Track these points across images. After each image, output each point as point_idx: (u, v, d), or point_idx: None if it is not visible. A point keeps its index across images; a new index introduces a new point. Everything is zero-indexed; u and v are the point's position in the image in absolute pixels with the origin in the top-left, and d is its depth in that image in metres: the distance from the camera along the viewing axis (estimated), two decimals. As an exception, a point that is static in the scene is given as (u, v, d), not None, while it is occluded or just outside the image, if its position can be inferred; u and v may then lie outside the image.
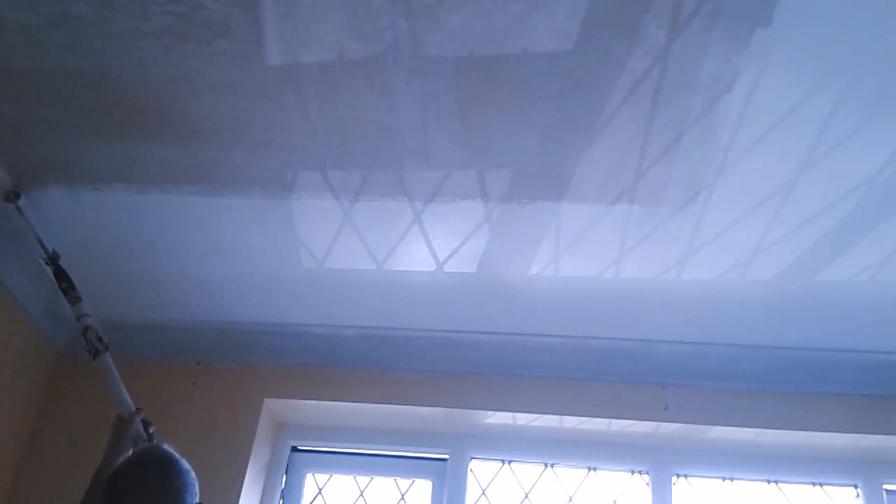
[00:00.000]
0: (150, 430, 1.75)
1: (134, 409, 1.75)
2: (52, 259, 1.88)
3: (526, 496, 2.19)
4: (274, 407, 2.20)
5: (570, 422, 2.15)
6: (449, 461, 2.21)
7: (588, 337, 2.10)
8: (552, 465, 2.22)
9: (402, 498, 2.21)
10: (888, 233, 1.72)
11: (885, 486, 2.12)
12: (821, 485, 2.15)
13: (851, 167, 1.58)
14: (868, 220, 1.69)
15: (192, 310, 2.17)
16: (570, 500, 2.18)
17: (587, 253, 1.86)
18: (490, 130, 1.59)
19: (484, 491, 2.20)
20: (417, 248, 1.89)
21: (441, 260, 1.92)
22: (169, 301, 2.15)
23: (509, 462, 2.23)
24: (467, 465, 2.21)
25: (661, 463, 2.17)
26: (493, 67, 1.46)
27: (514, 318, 2.08)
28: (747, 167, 1.60)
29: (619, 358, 2.10)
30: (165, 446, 1.56)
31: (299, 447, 2.28)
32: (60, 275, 1.87)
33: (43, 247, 1.87)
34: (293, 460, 2.26)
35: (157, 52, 1.48)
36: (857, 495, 2.12)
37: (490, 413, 2.14)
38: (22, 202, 1.85)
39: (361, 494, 2.23)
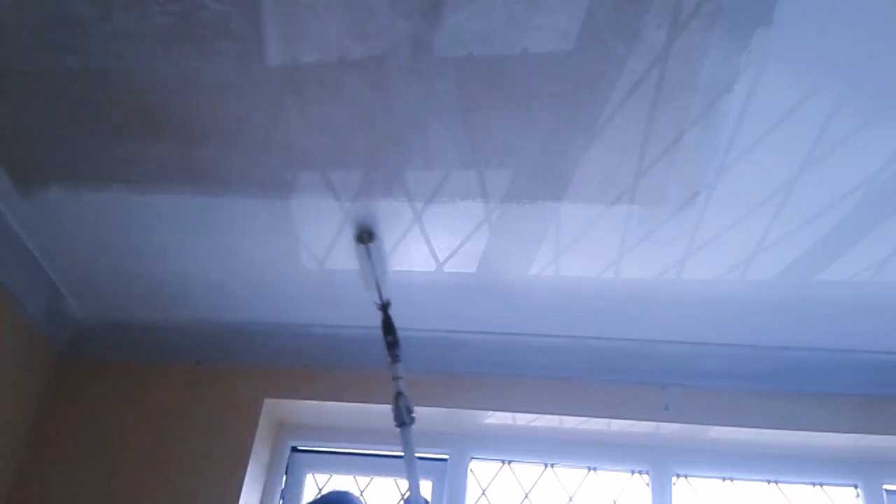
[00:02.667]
0: None
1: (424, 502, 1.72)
2: (384, 307, 1.86)
3: (526, 496, 2.19)
4: (274, 407, 2.20)
5: (570, 422, 2.15)
6: (449, 461, 2.21)
7: (588, 337, 2.10)
8: (552, 465, 2.22)
9: (403, 498, 2.21)
10: (888, 233, 1.72)
11: (885, 486, 2.11)
12: (821, 485, 2.15)
13: (851, 167, 1.58)
14: (868, 220, 1.69)
15: (192, 310, 2.17)
16: (570, 500, 2.18)
17: (587, 253, 1.86)
18: (490, 130, 1.59)
19: (484, 491, 2.20)
20: (417, 248, 1.89)
21: (441, 260, 1.92)
22: (169, 301, 2.15)
23: (509, 462, 2.24)
24: (467, 465, 2.21)
25: (661, 463, 2.17)
26: (493, 67, 1.46)
27: (514, 318, 2.08)
28: (747, 167, 1.60)
29: (619, 358, 2.10)
30: None
31: (299, 447, 2.28)
32: (388, 326, 1.84)
33: (380, 292, 1.85)
34: (293, 460, 2.26)
35: (156, 53, 1.48)
36: (857, 495, 2.12)
37: (490, 413, 2.14)
38: (373, 246, 1.83)
39: (361, 494, 2.23)
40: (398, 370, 1.81)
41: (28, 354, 2.15)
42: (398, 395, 1.77)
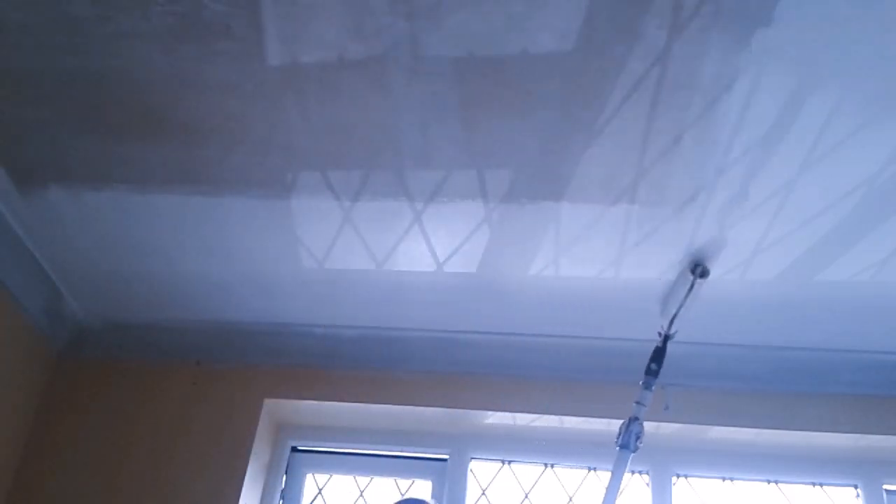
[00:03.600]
0: None
1: None
2: (667, 337, 1.83)
3: (526, 496, 2.19)
4: (274, 407, 2.20)
5: (570, 422, 2.15)
6: (449, 461, 2.21)
7: (588, 337, 2.10)
8: (552, 465, 2.22)
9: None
10: (888, 233, 1.72)
11: (885, 486, 2.11)
12: (821, 485, 2.15)
13: (851, 167, 1.58)
14: (868, 220, 1.69)
15: (192, 310, 2.17)
16: (570, 500, 2.18)
17: (587, 253, 1.86)
18: (490, 130, 1.59)
19: (484, 491, 2.20)
20: (417, 248, 1.89)
21: (441, 260, 1.92)
22: (169, 301, 2.15)
23: (509, 462, 2.23)
24: (467, 465, 2.21)
25: (661, 463, 2.17)
26: (493, 67, 1.46)
27: (514, 318, 2.08)
28: (747, 167, 1.60)
29: (619, 358, 2.10)
30: None
31: (299, 447, 2.28)
32: (659, 356, 1.81)
33: (672, 323, 1.82)
34: (293, 460, 2.26)
35: (157, 53, 1.48)
36: (857, 495, 2.12)
37: (490, 413, 2.14)
38: (701, 283, 1.80)
39: (361, 494, 2.23)
40: (647, 398, 1.79)
41: (28, 354, 2.15)
42: (634, 419, 1.76)
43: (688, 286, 1.81)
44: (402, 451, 2.25)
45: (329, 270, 1.99)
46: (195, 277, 2.06)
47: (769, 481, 2.16)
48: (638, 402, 1.78)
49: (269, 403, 2.17)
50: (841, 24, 1.33)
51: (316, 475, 2.26)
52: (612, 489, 1.75)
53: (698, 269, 1.81)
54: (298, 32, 1.43)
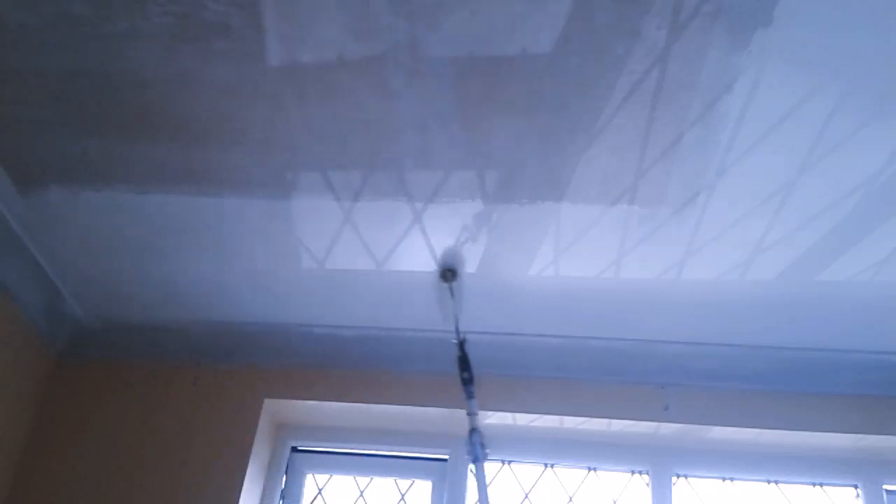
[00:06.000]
0: None
1: None
2: (461, 343, 1.90)
3: (526, 496, 2.19)
4: (274, 407, 2.20)
5: (570, 422, 2.15)
6: (449, 461, 2.21)
7: (588, 337, 2.10)
8: (552, 465, 2.22)
9: (402, 498, 2.21)
10: (888, 233, 1.72)
11: (885, 487, 2.12)
12: (821, 485, 2.15)
13: (851, 167, 1.58)
14: (868, 220, 1.70)
15: (192, 310, 2.17)
16: (570, 500, 2.18)
17: (587, 253, 1.86)
18: (490, 131, 1.59)
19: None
20: (417, 248, 1.89)
21: (443, 252, 1.92)
22: (169, 301, 2.15)
23: (509, 462, 2.23)
24: (467, 465, 2.20)
25: (661, 463, 2.17)
26: (493, 67, 1.46)
27: (514, 318, 2.08)
28: (747, 167, 1.60)
29: (619, 358, 2.10)
30: None
31: (299, 447, 2.28)
32: (464, 362, 1.88)
33: (457, 329, 1.91)
34: (293, 460, 2.26)
35: (157, 53, 1.48)
36: (857, 495, 2.12)
37: (490, 413, 2.14)
38: (455, 284, 1.89)
39: (361, 495, 2.23)
40: (473, 406, 1.82)
41: (28, 354, 2.15)
42: (473, 431, 1.79)
43: (448, 292, 1.92)
44: (402, 451, 2.25)
45: (329, 270, 1.99)
46: (195, 277, 2.06)
47: (769, 481, 2.16)
48: (469, 414, 1.82)
49: (269, 403, 2.17)
50: (841, 24, 1.33)
51: (316, 475, 2.26)
52: (481, 498, 1.79)
53: (448, 273, 1.91)
54: (298, 32, 1.43)
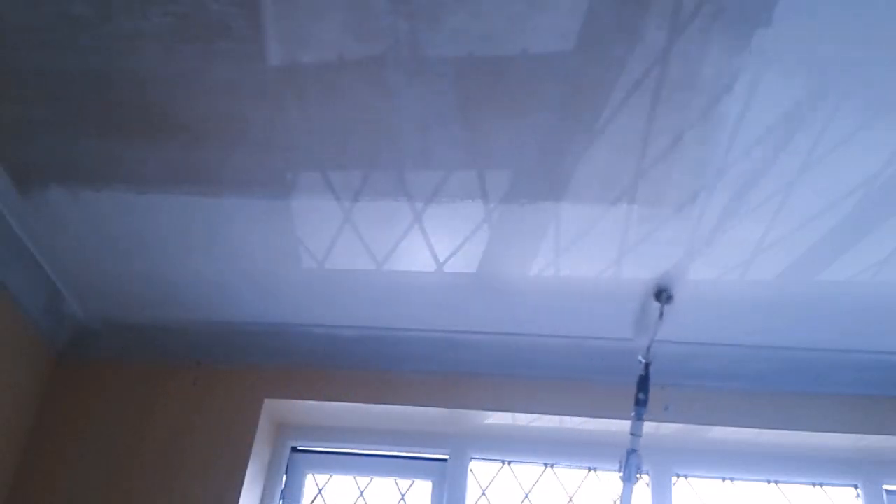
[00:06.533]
0: None
1: None
2: (647, 364, 1.88)
3: (526, 496, 2.19)
4: (274, 407, 2.20)
5: (570, 422, 2.15)
6: (449, 461, 2.21)
7: (588, 337, 2.10)
8: (552, 465, 2.22)
9: (402, 498, 2.21)
10: (888, 233, 1.72)
11: (885, 487, 2.12)
12: (821, 485, 2.15)
13: (851, 168, 1.58)
14: (868, 220, 1.69)
15: (192, 310, 2.17)
16: (570, 500, 2.18)
17: (587, 253, 1.86)
18: (490, 130, 1.59)
19: (484, 491, 2.20)
20: (417, 248, 1.89)
21: (441, 260, 1.92)
22: (169, 301, 2.15)
23: (509, 462, 2.24)
24: (467, 465, 2.21)
25: (661, 463, 2.17)
26: (493, 68, 1.46)
27: (514, 318, 2.08)
28: (747, 167, 1.60)
29: (619, 358, 2.10)
30: None
31: (299, 447, 2.28)
32: (644, 383, 1.84)
33: (649, 350, 1.89)
34: (293, 460, 2.26)
35: (157, 53, 1.48)
36: (857, 495, 2.12)
37: (490, 413, 2.14)
38: (667, 307, 1.84)
39: (361, 495, 2.23)
40: (638, 428, 1.80)
41: (28, 354, 2.15)
42: (631, 451, 1.77)
43: (657, 313, 1.87)
44: (402, 451, 2.26)
45: (329, 270, 1.99)
46: (195, 277, 2.06)
47: (769, 481, 2.16)
48: (633, 434, 1.79)
49: (269, 403, 2.17)
50: (841, 24, 1.33)
51: (316, 475, 2.26)
52: None
53: (663, 294, 1.87)
54: (298, 32, 1.43)
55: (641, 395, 1.82)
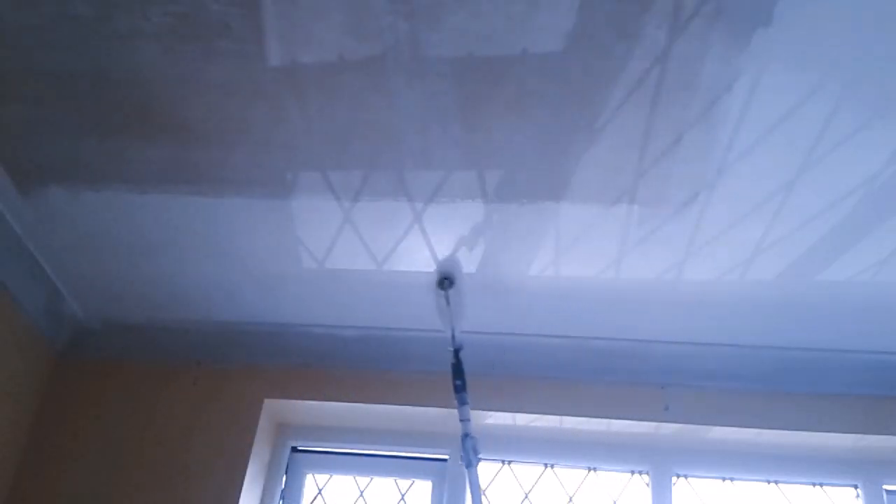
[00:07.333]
0: None
1: None
2: (456, 350, 1.91)
3: (526, 496, 2.19)
4: (274, 407, 2.20)
5: (570, 422, 2.15)
6: (449, 461, 2.21)
7: (588, 337, 2.10)
8: (552, 465, 2.22)
9: (402, 498, 2.21)
10: (888, 233, 1.72)
11: (885, 487, 2.11)
12: (821, 485, 2.15)
13: (851, 167, 1.58)
14: (868, 220, 1.70)
15: (192, 310, 2.17)
16: (570, 500, 2.18)
17: (587, 253, 1.86)
18: (490, 130, 1.59)
19: (484, 491, 2.20)
20: (417, 248, 1.89)
21: (441, 260, 1.92)
22: (169, 301, 2.15)
23: (509, 462, 2.23)
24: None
25: (661, 463, 2.17)
26: (492, 67, 1.46)
27: (514, 319, 2.08)
28: (747, 167, 1.60)
29: (619, 358, 2.10)
30: None
31: (299, 447, 2.28)
32: (458, 369, 1.88)
33: (453, 335, 1.92)
34: (293, 461, 2.26)
35: (157, 53, 1.48)
36: (857, 495, 2.12)
37: (490, 413, 2.14)
38: (452, 291, 1.89)
39: (361, 495, 2.23)
40: (465, 412, 1.84)
41: (28, 354, 2.15)
42: (465, 436, 1.80)
43: (444, 300, 1.92)
44: (402, 451, 2.26)
45: (329, 270, 1.99)
46: (195, 277, 2.06)
47: (769, 481, 2.16)
48: (462, 420, 1.83)
49: (269, 403, 2.17)
50: (841, 24, 1.33)
51: (316, 475, 2.26)
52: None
53: (445, 282, 1.92)
54: (298, 32, 1.43)
55: (458, 382, 1.86)
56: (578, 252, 1.86)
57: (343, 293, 2.06)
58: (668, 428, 2.11)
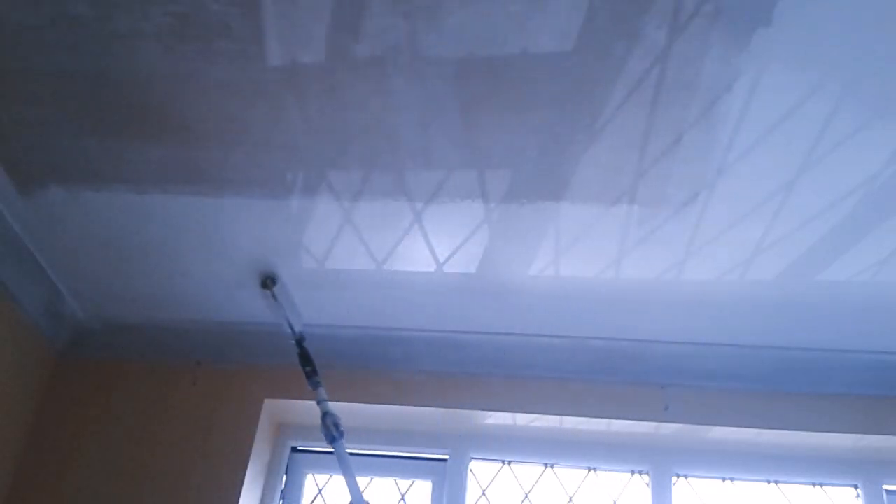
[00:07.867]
0: None
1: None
2: (298, 341, 2.01)
3: (526, 496, 2.19)
4: (274, 407, 2.20)
5: (570, 422, 2.15)
6: (449, 461, 2.21)
7: (588, 337, 2.10)
8: (552, 465, 2.22)
9: (402, 498, 2.21)
10: (888, 233, 1.72)
11: (885, 487, 2.12)
12: (821, 485, 2.15)
13: (851, 167, 1.58)
14: (868, 220, 1.69)
15: (192, 310, 2.17)
16: (570, 500, 2.18)
17: (587, 253, 1.86)
18: (490, 130, 1.59)
19: (484, 491, 2.20)
20: (417, 248, 1.89)
21: (441, 260, 1.92)
22: (169, 301, 2.15)
23: (509, 462, 2.24)
24: (467, 465, 2.21)
25: (661, 463, 2.17)
26: (493, 67, 1.46)
27: (514, 319, 2.08)
28: (747, 167, 1.60)
29: (619, 358, 2.10)
30: None
31: (299, 447, 2.28)
32: (304, 357, 1.99)
33: (291, 329, 2.02)
34: (293, 461, 2.26)
35: (157, 53, 1.48)
36: (857, 495, 2.12)
37: (490, 413, 2.14)
38: (277, 288, 1.98)
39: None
40: (321, 394, 1.94)
41: (28, 354, 2.15)
42: (325, 414, 1.91)
43: (272, 298, 1.99)
44: (402, 451, 2.26)
45: (329, 270, 1.99)
46: (195, 277, 2.06)
47: (769, 481, 2.16)
48: (319, 401, 1.94)
49: (269, 403, 2.17)
50: (841, 24, 1.33)
51: (316, 475, 2.26)
52: (352, 484, 1.88)
53: (267, 281, 1.98)
54: (298, 32, 1.43)
55: (308, 369, 1.97)
56: (578, 252, 1.86)
57: (343, 293, 2.06)
58: (668, 428, 2.11)
